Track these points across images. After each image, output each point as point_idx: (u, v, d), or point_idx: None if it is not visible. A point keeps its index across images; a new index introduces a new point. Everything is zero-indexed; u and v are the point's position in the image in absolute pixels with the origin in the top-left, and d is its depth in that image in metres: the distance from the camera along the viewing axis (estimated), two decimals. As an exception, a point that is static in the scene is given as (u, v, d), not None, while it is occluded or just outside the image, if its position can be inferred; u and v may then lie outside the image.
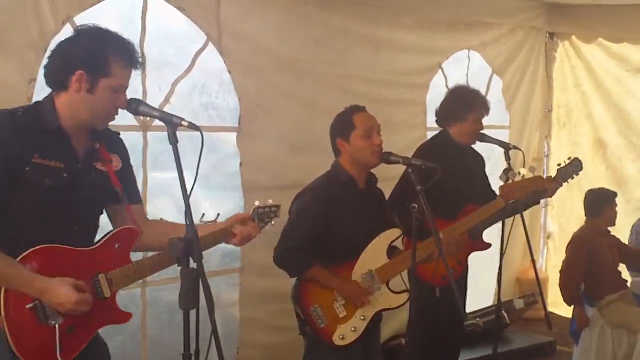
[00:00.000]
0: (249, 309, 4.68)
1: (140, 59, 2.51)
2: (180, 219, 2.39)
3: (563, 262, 5.26)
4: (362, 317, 3.49)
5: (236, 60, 4.52)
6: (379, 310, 3.55)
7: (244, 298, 4.67)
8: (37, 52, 3.49)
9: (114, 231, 2.56)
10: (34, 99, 3.37)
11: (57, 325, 2.37)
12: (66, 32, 3.50)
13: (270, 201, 2.86)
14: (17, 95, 3.42)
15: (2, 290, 2.32)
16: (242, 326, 4.68)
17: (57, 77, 2.44)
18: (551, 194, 4.38)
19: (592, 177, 7.13)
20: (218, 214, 2.69)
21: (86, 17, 3.55)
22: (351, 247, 3.52)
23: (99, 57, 2.40)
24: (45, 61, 2.51)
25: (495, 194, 4.25)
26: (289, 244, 3.43)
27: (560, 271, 5.24)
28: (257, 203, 2.84)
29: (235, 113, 4.59)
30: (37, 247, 2.36)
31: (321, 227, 3.44)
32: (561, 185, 4.32)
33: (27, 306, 2.34)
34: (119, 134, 2.72)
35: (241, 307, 4.66)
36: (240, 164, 4.59)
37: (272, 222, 2.88)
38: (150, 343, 4.18)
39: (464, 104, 4.25)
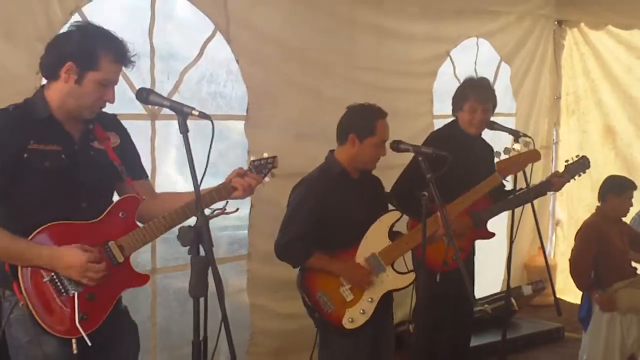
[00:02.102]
0: (257, 296, 4.72)
1: (132, 59, 2.62)
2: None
3: (572, 249, 5.27)
4: (370, 300, 3.53)
5: (244, 49, 4.54)
6: (386, 291, 3.58)
7: (252, 285, 4.71)
8: (44, 43, 3.48)
9: (116, 201, 2.68)
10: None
11: (76, 294, 2.47)
12: (75, 22, 3.56)
13: (265, 154, 2.92)
14: (25, 86, 3.40)
15: (19, 268, 2.44)
16: (252, 312, 4.72)
17: (49, 67, 2.59)
18: (557, 188, 4.45)
19: (601, 165, 7.12)
20: (227, 202, 2.72)
21: (95, 8, 3.59)
22: (351, 234, 3.57)
23: (90, 51, 2.54)
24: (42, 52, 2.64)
25: (503, 185, 4.28)
26: (287, 237, 3.49)
27: (570, 259, 5.25)
28: (252, 158, 2.91)
29: (243, 101, 4.62)
30: (46, 225, 2.48)
31: (318, 218, 3.50)
32: (568, 181, 4.40)
33: (44, 280, 2.46)
34: (115, 115, 2.83)
35: (249, 294, 4.70)
36: (248, 151, 4.61)
37: (272, 173, 2.91)
38: (159, 330, 4.22)
39: (462, 94, 4.34)
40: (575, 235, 5.30)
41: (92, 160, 2.65)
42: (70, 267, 2.46)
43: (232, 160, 4.66)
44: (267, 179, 2.90)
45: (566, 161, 4.44)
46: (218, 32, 4.40)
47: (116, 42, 2.58)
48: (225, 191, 2.75)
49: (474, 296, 3.57)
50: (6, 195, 2.49)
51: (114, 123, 2.79)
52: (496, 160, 4.08)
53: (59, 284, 2.48)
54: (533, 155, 4.17)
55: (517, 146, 4.08)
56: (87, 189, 2.62)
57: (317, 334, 3.61)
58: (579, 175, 4.43)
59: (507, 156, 4.04)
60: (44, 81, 2.62)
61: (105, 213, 2.62)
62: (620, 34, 6.90)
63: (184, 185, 4.52)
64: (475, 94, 4.31)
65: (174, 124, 4.24)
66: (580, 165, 4.39)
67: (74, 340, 2.48)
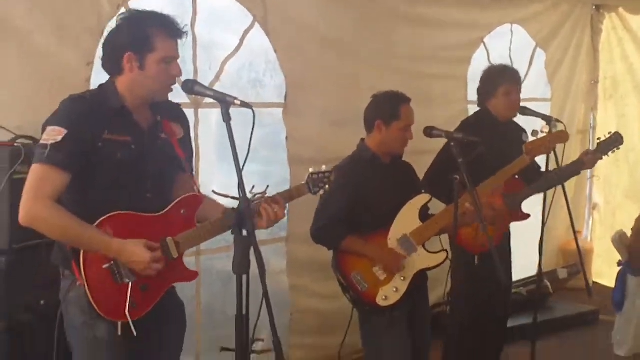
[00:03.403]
0: (296, 277, 4.85)
1: (183, 29, 2.66)
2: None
3: (632, 232, 5.29)
4: (402, 278, 3.63)
5: (281, 39, 4.65)
6: (418, 270, 3.67)
7: (291, 266, 4.84)
8: (94, 36, 3.65)
9: (180, 198, 2.71)
10: (92, 80, 3.63)
11: (130, 283, 2.57)
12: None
13: (324, 167, 2.96)
14: (76, 77, 3.61)
15: (82, 252, 2.53)
16: (292, 293, 4.85)
17: (110, 64, 2.65)
18: (590, 166, 4.43)
19: (639, 149, 7.12)
20: (267, 186, 2.76)
21: (140, 1, 3.70)
22: (383, 217, 3.67)
23: (141, 35, 2.58)
24: (100, 54, 2.72)
25: (538, 167, 4.35)
26: (322, 222, 3.61)
27: (631, 242, 5.27)
28: (311, 170, 2.94)
29: (281, 90, 4.74)
30: (111, 214, 2.56)
31: (352, 202, 3.60)
32: (601, 158, 4.36)
33: (104, 266, 2.55)
34: (179, 105, 2.90)
35: (289, 275, 4.83)
36: (286, 138, 4.75)
37: (327, 187, 2.94)
38: (204, 309, 4.36)
39: (491, 81, 4.38)
40: (636, 220, 5.33)
41: (159, 152, 2.72)
42: (134, 263, 2.54)
43: (271, 146, 4.80)
44: (321, 192, 2.95)
45: (598, 138, 4.43)
46: (257, 23, 4.52)
47: (163, 19, 2.63)
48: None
49: (506, 279, 3.63)
50: (78, 182, 2.56)
51: (178, 114, 2.86)
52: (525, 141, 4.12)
53: (116, 271, 2.56)
54: (561, 137, 4.16)
55: (545, 128, 4.08)
56: (153, 180, 2.71)
57: (352, 312, 3.74)
58: (613, 152, 4.35)
59: (534, 138, 4.06)
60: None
61: (168, 208, 2.69)
62: (660, 17, 6.84)
63: (221, 172, 4.68)
64: (508, 77, 4.37)
65: (215, 112, 4.45)
66: (612, 141, 4.33)
67: (119, 323, 2.57)
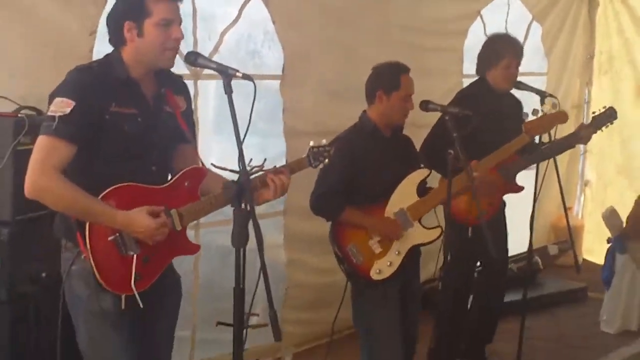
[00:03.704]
0: (293, 251, 4.87)
1: None
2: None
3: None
4: (397, 252, 3.67)
5: (280, 10, 4.63)
6: (413, 245, 3.72)
7: (288, 240, 4.86)
8: (97, 5, 3.64)
9: (184, 171, 2.73)
10: (95, 50, 3.62)
11: (135, 256, 2.59)
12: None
13: (324, 141, 2.99)
14: (80, 47, 3.59)
15: (87, 224, 2.54)
16: (288, 267, 4.88)
17: (114, 36, 2.67)
18: (586, 140, 4.48)
19: (633, 125, 7.14)
20: (265, 160, 2.76)
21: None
22: (382, 190, 3.71)
23: (135, 2, 2.59)
24: (104, 24, 2.72)
25: (533, 141, 4.37)
26: (322, 190, 3.63)
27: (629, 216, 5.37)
28: (311, 143, 2.96)
29: (280, 61, 4.73)
30: (116, 186, 2.57)
31: (352, 174, 3.63)
32: (595, 132, 4.40)
33: (109, 238, 2.56)
34: (182, 77, 2.91)
35: (286, 249, 4.85)
36: (283, 110, 4.75)
37: (327, 161, 2.96)
38: (201, 282, 4.38)
39: (495, 51, 4.40)
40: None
41: (164, 124, 2.74)
42: (140, 232, 2.56)
43: (269, 119, 4.80)
44: (321, 165, 2.98)
45: (593, 112, 4.45)
46: (256, -6, 4.50)
47: None
48: (260, 184, 2.74)
49: (497, 252, 3.66)
50: (84, 153, 2.57)
51: (181, 87, 2.88)
52: (525, 120, 4.14)
53: (121, 243, 2.57)
54: (560, 117, 4.21)
55: (546, 108, 4.12)
56: (158, 153, 2.74)
57: (346, 287, 3.78)
58: (606, 127, 4.39)
59: (534, 117, 4.10)
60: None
61: (172, 180, 2.71)
62: (657, -9, 6.83)
63: (219, 144, 4.67)
64: (512, 50, 4.40)
65: (213, 83, 4.44)
66: (606, 116, 4.36)
67: (123, 296, 2.60)
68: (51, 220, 2.76)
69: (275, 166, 2.82)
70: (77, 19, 3.65)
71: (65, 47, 3.58)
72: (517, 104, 4.60)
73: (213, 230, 4.40)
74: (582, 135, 4.39)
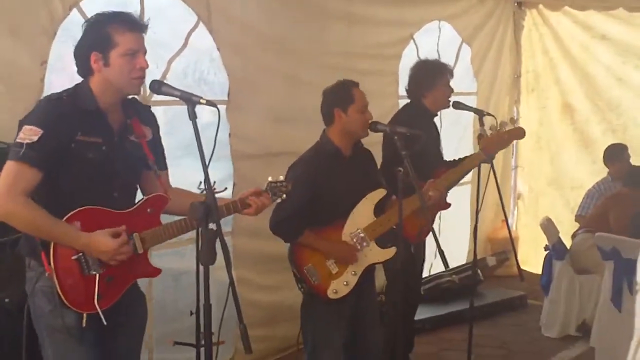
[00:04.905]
0: (243, 270, 4.90)
1: (141, 22, 2.78)
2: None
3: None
4: (353, 273, 3.75)
5: (224, 39, 4.74)
6: (369, 265, 3.81)
7: (237, 259, 4.86)
8: (47, 36, 3.68)
9: (147, 197, 2.87)
10: (46, 80, 3.67)
11: (97, 275, 2.69)
12: (73, 17, 3.74)
13: (281, 177, 3.12)
14: (30, 77, 3.62)
15: (52, 244, 2.65)
16: (238, 286, 4.93)
17: (81, 68, 2.77)
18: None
19: (560, 140, 7.47)
20: (225, 188, 2.95)
21: (91, 2, 3.76)
22: (340, 211, 3.78)
23: (102, 34, 2.70)
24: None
25: (445, 161, 4.55)
26: (284, 214, 3.65)
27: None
28: (270, 178, 3.09)
29: (225, 87, 4.83)
30: (80, 208, 2.68)
31: (313, 197, 3.69)
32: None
33: (73, 257, 2.67)
34: (149, 107, 3.02)
35: (235, 268, 4.88)
36: (230, 134, 4.83)
37: (284, 196, 3.11)
38: (155, 304, 4.40)
39: (431, 73, 4.62)
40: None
41: (128, 153, 2.84)
42: (102, 252, 2.67)
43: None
44: (279, 200, 3.11)
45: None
46: (201, 23, 4.60)
47: (121, 15, 2.74)
48: (240, 206, 2.96)
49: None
50: (49, 179, 2.67)
51: (148, 117, 2.98)
52: (476, 144, 4.27)
53: (84, 263, 2.68)
54: (517, 133, 4.36)
55: (508, 126, 4.23)
56: (120, 180, 2.84)
57: (302, 300, 3.85)
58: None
59: (491, 133, 4.22)
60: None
61: (135, 206, 2.83)
62: (577, 14, 7.20)
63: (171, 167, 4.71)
64: (447, 70, 4.65)
65: (161, 109, 4.47)
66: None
67: (84, 315, 2.69)
68: (11, 245, 2.84)
69: (225, 188, 3.00)
70: (28, 49, 3.69)
71: (16, 77, 3.62)
72: (436, 127, 4.82)
73: (164, 253, 4.43)
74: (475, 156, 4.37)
